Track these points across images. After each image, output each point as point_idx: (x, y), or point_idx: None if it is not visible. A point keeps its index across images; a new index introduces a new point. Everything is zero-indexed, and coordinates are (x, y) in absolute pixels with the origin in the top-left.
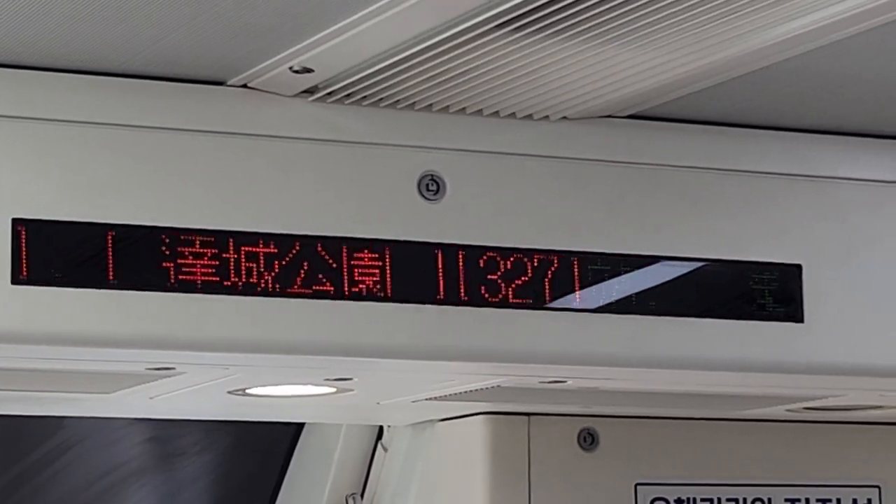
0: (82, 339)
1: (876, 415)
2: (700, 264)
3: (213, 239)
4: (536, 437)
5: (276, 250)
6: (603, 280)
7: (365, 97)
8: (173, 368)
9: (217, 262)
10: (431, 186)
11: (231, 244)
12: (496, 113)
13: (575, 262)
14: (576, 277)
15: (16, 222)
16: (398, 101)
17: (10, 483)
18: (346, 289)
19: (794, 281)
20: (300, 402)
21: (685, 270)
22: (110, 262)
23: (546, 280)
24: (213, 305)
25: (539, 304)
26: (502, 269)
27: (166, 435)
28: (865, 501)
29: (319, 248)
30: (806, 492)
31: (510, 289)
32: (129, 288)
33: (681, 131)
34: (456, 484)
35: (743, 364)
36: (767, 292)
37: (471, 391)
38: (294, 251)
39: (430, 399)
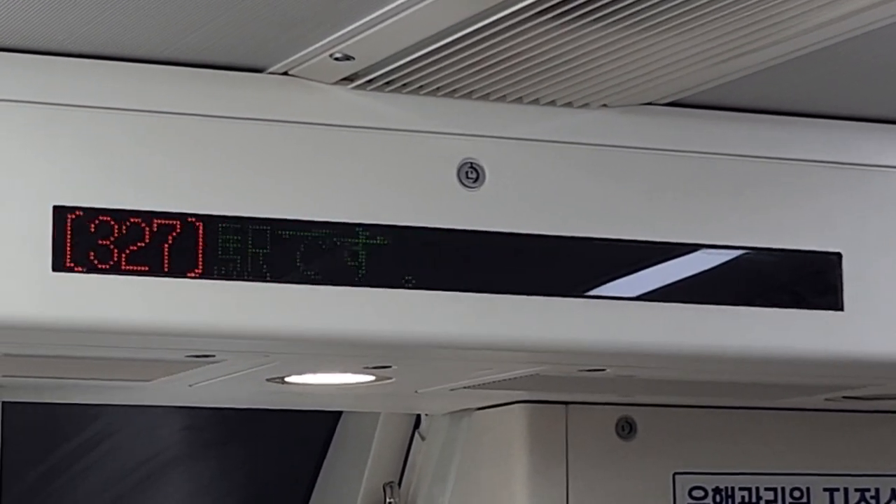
0: (122, 327)
1: None
2: (739, 252)
3: (250, 227)
4: (574, 426)
5: (314, 238)
6: (642, 268)
7: (405, 84)
8: (213, 356)
9: (256, 250)
10: (471, 174)
11: (270, 232)
12: (536, 101)
13: (615, 251)
14: (616, 266)
15: (57, 209)
16: (438, 88)
17: (47, 472)
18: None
19: (834, 269)
20: (338, 391)
21: (725, 259)
22: (151, 250)
23: (586, 268)
24: (253, 293)
25: (578, 292)
26: (541, 258)
27: (203, 424)
28: None
29: None
30: (844, 481)
31: (548, 277)
32: (169, 275)
33: (721, 119)
34: (493, 472)
35: (782, 353)
36: (807, 281)
37: (509, 379)
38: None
39: (468, 387)
